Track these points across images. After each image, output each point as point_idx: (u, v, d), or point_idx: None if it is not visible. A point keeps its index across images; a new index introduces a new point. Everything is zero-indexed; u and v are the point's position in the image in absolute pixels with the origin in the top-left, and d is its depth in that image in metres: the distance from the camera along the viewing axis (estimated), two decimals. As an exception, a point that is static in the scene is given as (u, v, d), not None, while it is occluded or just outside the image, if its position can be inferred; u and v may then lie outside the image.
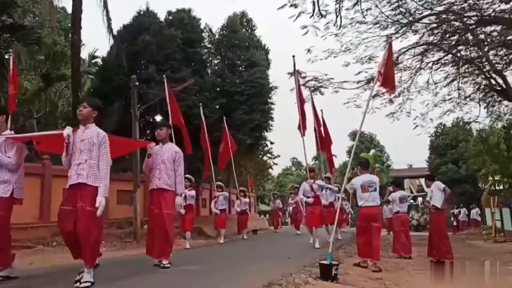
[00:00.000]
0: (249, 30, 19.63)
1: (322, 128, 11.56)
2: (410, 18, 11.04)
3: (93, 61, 21.88)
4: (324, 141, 11.54)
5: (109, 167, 4.05)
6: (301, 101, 9.70)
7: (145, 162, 5.36)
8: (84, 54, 20.36)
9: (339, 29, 10.97)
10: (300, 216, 15.15)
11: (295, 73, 9.59)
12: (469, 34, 11.51)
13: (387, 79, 5.69)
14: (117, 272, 5.05)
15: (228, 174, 22.90)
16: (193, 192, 9.21)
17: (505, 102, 13.10)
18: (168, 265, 5.10)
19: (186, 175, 9.31)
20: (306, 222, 10.19)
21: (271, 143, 21.77)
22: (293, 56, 9.27)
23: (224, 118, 13.59)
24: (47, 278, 4.69)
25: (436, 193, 7.60)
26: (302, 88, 11.29)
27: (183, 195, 5.38)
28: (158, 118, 14.42)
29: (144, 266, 5.88)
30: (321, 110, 11.96)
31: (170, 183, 5.21)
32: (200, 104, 13.00)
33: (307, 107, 10.71)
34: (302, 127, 9.34)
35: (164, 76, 10.42)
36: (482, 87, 12.94)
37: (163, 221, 5.09)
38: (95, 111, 4.07)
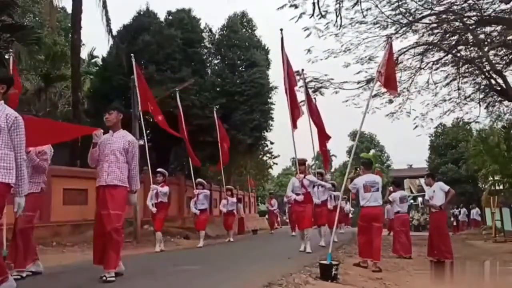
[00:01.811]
0: (249, 30, 19.65)
1: (315, 119, 10.37)
2: (410, 18, 11.05)
3: (92, 60, 21.90)
4: (319, 134, 10.48)
5: (26, 158, 3.36)
6: (290, 83, 8.24)
7: (90, 153, 4.42)
8: (84, 54, 20.38)
9: (339, 29, 11.00)
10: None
11: (283, 49, 8.17)
12: (469, 34, 11.51)
13: (389, 80, 5.66)
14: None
15: (228, 174, 22.98)
16: (166, 189, 8.48)
17: (505, 102, 13.11)
18: (113, 278, 4.06)
19: (159, 169, 8.78)
20: (296, 222, 9.16)
21: (271, 143, 21.82)
22: (281, 30, 8.03)
23: (215, 110, 13.00)
24: (47, 278, 4.69)
25: (438, 194, 7.58)
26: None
27: (136, 193, 4.48)
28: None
29: (144, 266, 5.89)
30: (315, 98, 11.11)
31: (123, 177, 4.28)
32: (177, 90, 11.86)
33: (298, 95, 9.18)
34: (292, 117, 8.12)
35: (132, 55, 9.37)
36: (482, 87, 12.94)
37: (109, 224, 4.10)
38: (3, 85, 3.23)
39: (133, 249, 8.93)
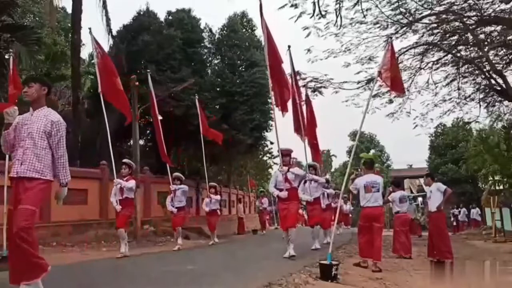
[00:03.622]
0: (249, 30, 19.66)
1: (303, 104, 9.29)
2: (410, 18, 11.05)
3: (92, 61, 21.89)
4: (307, 123, 9.35)
5: None
6: (276, 60, 6.97)
7: (2, 136, 3.49)
8: (84, 54, 20.36)
9: (339, 29, 10.97)
10: None
11: (262, 17, 7.00)
12: (469, 34, 11.51)
13: (395, 82, 5.65)
14: (117, 272, 5.05)
15: (228, 174, 22.99)
16: (131, 183, 7.29)
17: (505, 102, 13.11)
18: None
19: (125, 160, 7.69)
20: (280, 222, 7.87)
21: (271, 143, 21.82)
22: None
23: (196, 98, 12.11)
24: (46, 278, 4.69)
25: (436, 194, 7.59)
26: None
27: (67, 186, 3.48)
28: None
29: (144, 266, 5.89)
30: (304, 86, 10.28)
31: (40, 168, 3.31)
32: (148, 71, 10.73)
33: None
34: (277, 96, 6.88)
35: (89, 28, 8.54)
36: (482, 87, 12.95)
37: (19, 223, 3.09)
38: None
39: (133, 249, 8.93)
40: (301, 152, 8.39)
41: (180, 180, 9.38)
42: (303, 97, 9.72)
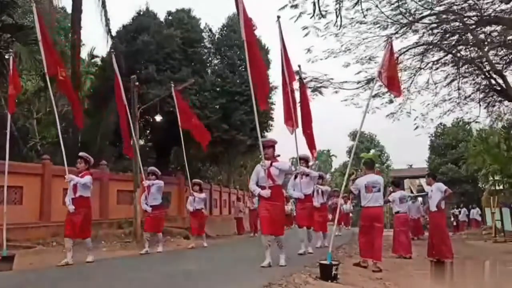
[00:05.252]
0: (249, 30, 19.64)
1: (296, 89, 8.00)
2: (410, 18, 11.06)
3: (92, 60, 21.91)
4: (304, 118, 8.05)
5: None
6: (248, 29, 5.82)
7: None
8: (83, 54, 20.35)
9: (339, 29, 10.97)
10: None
11: None
12: (469, 34, 11.52)
13: (392, 82, 5.64)
14: (117, 273, 5.05)
15: (228, 174, 22.99)
16: (87, 179, 6.25)
17: (505, 102, 13.12)
18: None
19: (81, 153, 6.77)
20: (261, 226, 6.13)
21: (271, 143, 21.78)
22: None
23: (172, 86, 10.60)
24: (46, 277, 4.69)
25: (436, 194, 7.60)
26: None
27: None
28: (158, 118, 14.43)
29: (144, 267, 5.89)
30: (299, 66, 8.66)
31: None
32: (112, 51, 9.29)
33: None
34: (256, 89, 5.81)
35: (33, 4, 7.54)
36: (482, 87, 12.95)
37: None
38: None
39: (133, 249, 8.94)
40: (300, 147, 7.31)
41: (156, 175, 8.41)
42: (296, 78, 8.07)
